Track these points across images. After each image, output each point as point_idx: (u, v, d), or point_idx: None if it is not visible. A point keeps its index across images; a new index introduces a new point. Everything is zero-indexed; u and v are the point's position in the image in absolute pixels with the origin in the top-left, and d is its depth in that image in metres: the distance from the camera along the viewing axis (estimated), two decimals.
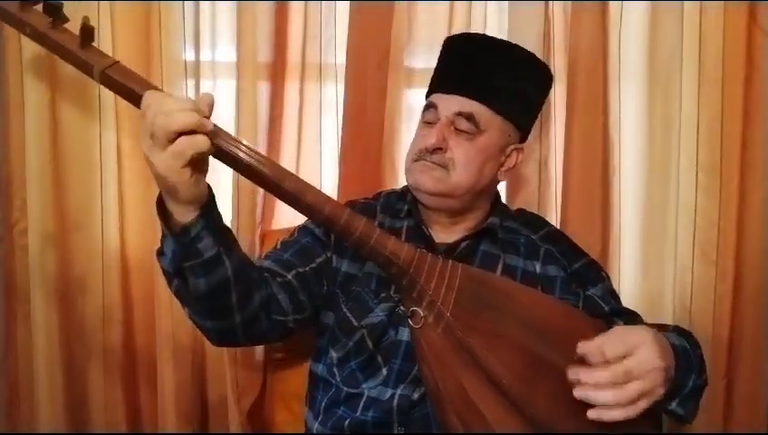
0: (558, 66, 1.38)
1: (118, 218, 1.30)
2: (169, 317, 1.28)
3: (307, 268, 1.06)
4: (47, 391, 1.27)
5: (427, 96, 1.13)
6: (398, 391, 1.01)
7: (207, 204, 0.81)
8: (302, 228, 1.13)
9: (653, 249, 1.41)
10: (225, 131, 0.81)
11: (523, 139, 1.14)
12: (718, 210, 1.35)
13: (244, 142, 0.83)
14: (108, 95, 1.24)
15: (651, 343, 0.81)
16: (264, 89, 1.33)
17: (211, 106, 0.78)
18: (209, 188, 0.81)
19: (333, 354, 1.06)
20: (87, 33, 0.82)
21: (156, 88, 0.81)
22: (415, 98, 1.34)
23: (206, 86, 1.33)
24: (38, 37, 0.86)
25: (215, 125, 0.78)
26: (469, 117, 1.05)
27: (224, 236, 0.85)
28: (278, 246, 1.12)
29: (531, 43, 1.29)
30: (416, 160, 1.07)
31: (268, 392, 1.34)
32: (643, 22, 1.38)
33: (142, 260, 1.31)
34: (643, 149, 1.40)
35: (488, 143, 1.06)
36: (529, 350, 0.87)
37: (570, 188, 1.37)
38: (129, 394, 1.34)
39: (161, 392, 1.31)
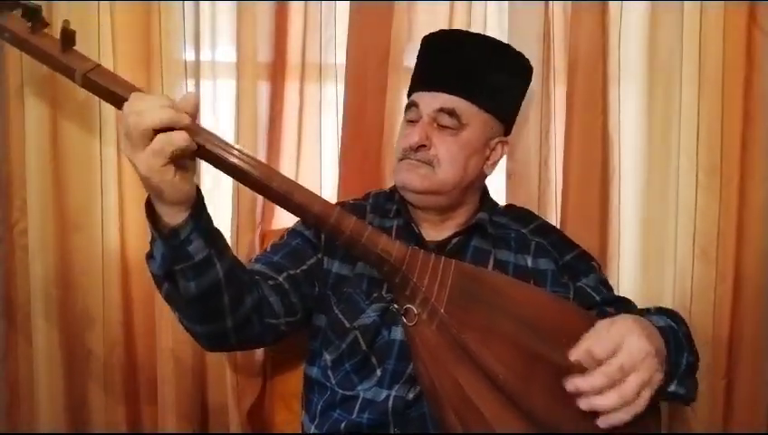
0: (558, 66, 1.38)
1: (118, 219, 1.29)
2: (170, 318, 1.27)
3: (298, 270, 1.06)
4: (47, 391, 1.27)
5: (409, 95, 1.14)
6: (393, 392, 1.01)
7: (196, 205, 0.80)
8: (291, 231, 1.13)
9: (653, 249, 1.41)
10: (209, 131, 0.80)
11: (507, 131, 1.15)
12: (718, 210, 1.35)
13: (232, 144, 0.82)
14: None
15: (636, 329, 0.81)
16: (264, 89, 1.32)
17: (195, 105, 0.77)
18: (198, 189, 0.81)
19: (327, 357, 1.06)
20: (67, 37, 0.81)
21: (139, 90, 0.80)
22: None
23: (206, 86, 1.33)
24: (18, 42, 0.85)
25: (197, 124, 0.78)
26: (451, 112, 1.05)
27: (214, 238, 0.84)
28: (268, 249, 1.12)
29: (531, 43, 1.29)
30: (401, 160, 1.08)
31: (268, 393, 1.34)
32: (643, 22, 1.38)
33: (142, 261, 1.28)
34: (643, 149, 1.40)
35: (471, 137, 1.07)
36: (523, 344, 0.87)
37: (570, 188, 1.37)
38: (130, 394, 1.34)
39: (161, 392, 1.31)
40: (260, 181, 0.82)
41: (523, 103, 1.20)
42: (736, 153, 1.34)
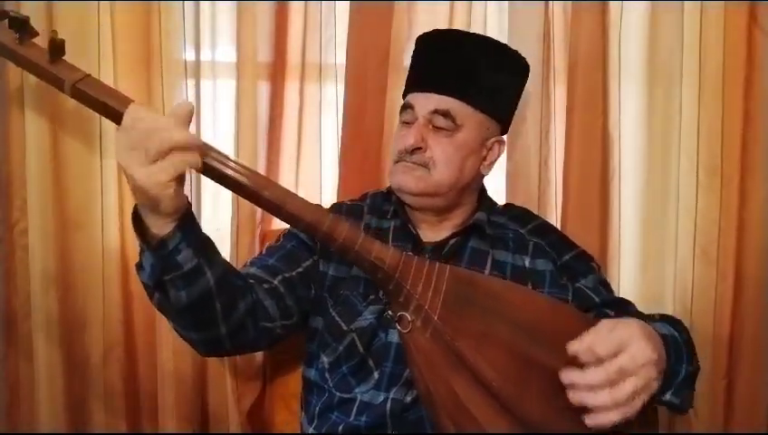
0: (558, 66, 1.38)
1: (118, 218, 1.29)
2: None
3: (293, 273, 1.05)
4: (47, 391, 1.27)
5: (404, 96, 1.13)
6: (391, 395, 1.00)
7: (185, 215, 0.80)
8: (287, 233, 1.13)
9: (653, 249, 1.41)
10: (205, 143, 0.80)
11: (503, 130, 1.14)
12: (718, 210, 1.35)
13: (228, 155, 0.82)
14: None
15: (640, 336, 0.80)
16: (264, 89, 1.32)
17: (191, 114, 0.77)
18: (187, 199, 0.80)
19: (324, 359, 1.05)
20: (56, 47, 0.80)
21: (130, 100, 0.79)
22: None
23: (206, 86, 1.33)
24: (5, 53, 0.84)
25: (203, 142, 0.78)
26: (446, 114, 1.05)
27: (204, 246, 0.84)
28: (263, 252, 1.11)
29: (531, 43, 1.29)
30: (396, 162, 1.07)
31: (268, 393, 1.33)
32: (643, 22, 1.38)
33: None
34: (643, 149, 1.40)
35: (467, 138, 1.06)
36: (518, 350, 0.86)
37: (570, 188, 1.37)
38: (129, 394, 1.34)
39: (161, 392, 1.30)
40: (252, 191, 0.82)
41: (523, 103, 1.20)
42: (736, 153, 1.34)
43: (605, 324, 0.83)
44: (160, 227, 0.78)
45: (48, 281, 1.26)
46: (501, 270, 1.07)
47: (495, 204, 1.20)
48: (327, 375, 1.05)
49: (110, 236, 1.29)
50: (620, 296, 1.14)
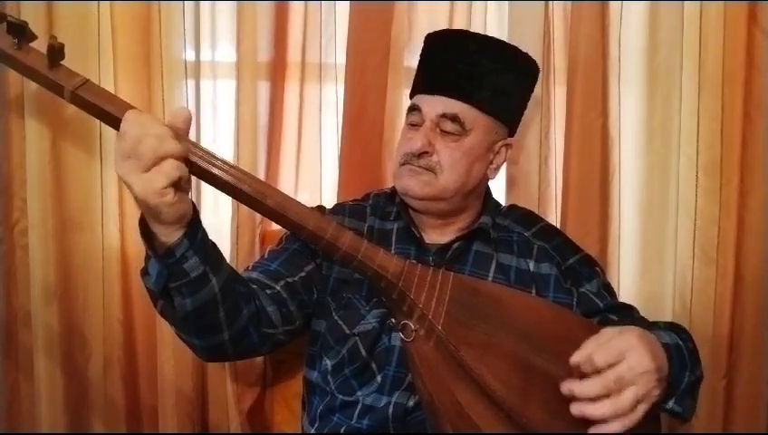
0: (558, 66, 1.38)
1: (118, 218, 1.30)
2: None
3: (296, 278, 1.05)
4: (47, 390, 1.27)
5: (411, 96, 1.12)
6: (394, 399, 1.00)
7: (192, 222, 0.78)
8: (289, 235, 1.12)
9: (653, 249, 1.41)
10: (202, 148, 0.79)
11: (511, 133, 1.13)
12: (718, 210, 1.35)
13: (221, 157, 0.81)
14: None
15: (640, 344, 0.80)
16: (264, 89, 1.32)
17: (188, 120, 0.76)
18: (193, 205, 0.79)
19: (327, 362, 1.05)
20: (55, 52, 0.79)
21: (130, 106, 0.78)
22: None
23: (206, 86, 1.33)
24: (3, 59, 0.82)
25: (192, 142, 0.78)
26: (454, 118, 1.04)
27: (210, 253, 0.83)
28: (266, 256, 1.10)
29: (531, 43, 1.29)
30: (402, 164, 1.06)
31: (268, 393, 1.34)
32: (643, 22, 1.38)
33: (142, 260, 1.31)
34: (643, 149, 1.40)
35: (474, 143, 1.06)
36: (522, 359, 0.86)
37: (570, 188, 1.37)
38: (130, 394, 1.34)
39: (161, 392, 1.31)
40: (252, 199, 0.81)
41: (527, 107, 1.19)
42: (736, 153, 1.34)
43: (605, 333, 0.82)
44: (167, 234, 0.77)
45: (48, 281, 1.26)
46: (505, 274, 1.07)
47: (500, 206, 1.19)
48: (329, 378, 1.05)
49: (110, 236, 1.29)
50: (624, 302, 1.13)
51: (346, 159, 1.35)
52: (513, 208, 1.20)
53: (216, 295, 0.84)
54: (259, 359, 1.33)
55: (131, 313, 1.33)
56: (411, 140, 1.05)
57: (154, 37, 1.24)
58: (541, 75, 1.33)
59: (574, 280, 1.08)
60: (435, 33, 1.14)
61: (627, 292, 1.38)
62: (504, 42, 1.12)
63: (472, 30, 1.30)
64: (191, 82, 1.31)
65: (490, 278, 1.06)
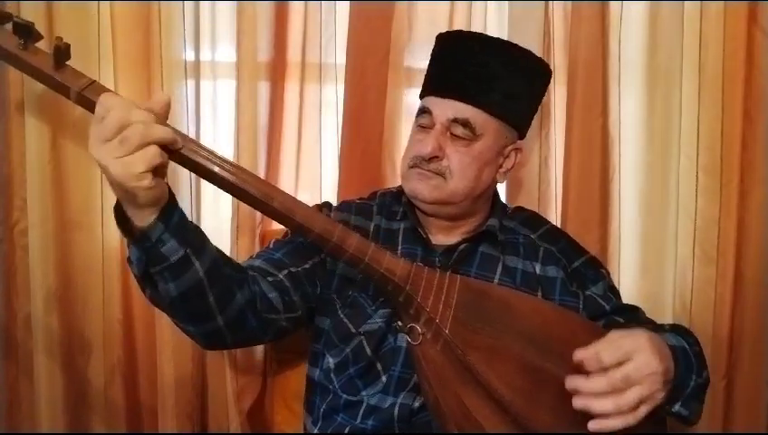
0: (558, 66, 1.38)
1: None
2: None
3: (300, 269, 1.04)
4: (47, 390, 1.27)
5: (421, 96, 1.11)
6: (399, 400, 1.00)
7: (167, 206, 0.78)
8: None
9: (653, 249, 1.41)
10: (207, 148, 0.80)
11: (521, 136, 1.13)
12: (718, 210, 1.35)
13: (226, 158, 0.81)
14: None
15: (648, 346, 0.80)
16: (264, 89, 1.32)
17: (167, 105, 0.76)
18: (169, 189, 0.79)
19: (330, 360, 1.05)
20: (61, 53, 0.78)
21: (111, 91, 0.78)
22: (415, 98, 1.33)
23: (206, 86, 1.33)
24: (9, 59, 0.82)
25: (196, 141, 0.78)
26: (465, 123, 1.03)
27: (191, 236, 0.82)
28: (270, 245, 1.10)
29: (531, 43, 1.28)
30: (411, 167, 1.06)
31: (268, 392, 1.34)
32: (643, 22, 1.38)
33: None
34: (643, 149, 1.40)
35: (485, 148, 1.05)
36: (529, 363, 0.86)
37: (570, 188, 1.37)
38: (129, 394, 1.34)
39: (161, 392, 1.30)
40: (259, 201, 0.81)
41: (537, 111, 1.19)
42: (736, 153, 1.34)
43: (614, 334, 0.83)
44: (141, 218, 0.77)
45: (48, 281, 1.26)
46: (511, 276, 1.06)
47: (506, 208, 1.19)
48: (332, 376, 1.04)
49: (110, 236, 1.29)
50: (629, 303, 1.13)
51: (346, 159, 1.35)
52: (519, 210, 1.20)
53: (201, 280, 0.83)
54: (259, 358, 1.33)
55: (131, 313, 1.33)
56: (421, 142, 1.05)
57: (154, 37, 1.24)
58: None
59: (580, 283, 1.08)
60: (447, 33, 1.13)
61: (627, 292, 1.37)
62: (515, 45, 1.11)
63: (472, 30, 1.31)
64: (191, 83, 1.31)
65: (496, 280, 1.06)
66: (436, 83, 1.09)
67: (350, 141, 1.34)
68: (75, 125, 1.26)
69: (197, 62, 1.31)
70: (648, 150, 1.40)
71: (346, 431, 1.01)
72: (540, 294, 1.06)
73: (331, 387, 1.05)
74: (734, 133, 1.33)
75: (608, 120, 1.37)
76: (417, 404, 0.99)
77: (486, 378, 0.84)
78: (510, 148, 1.10)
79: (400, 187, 1.12)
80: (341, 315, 1.05)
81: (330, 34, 1.36)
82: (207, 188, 1.33)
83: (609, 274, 1.14)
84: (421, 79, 1.14)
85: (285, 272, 1.02)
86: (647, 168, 1.40)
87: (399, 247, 1.09)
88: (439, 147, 1.03)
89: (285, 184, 1.38)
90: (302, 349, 1.16)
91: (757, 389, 1.38)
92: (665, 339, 0.87)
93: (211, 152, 0.79)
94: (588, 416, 0.78)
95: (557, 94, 1.38)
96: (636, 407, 0.78)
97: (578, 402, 0.78)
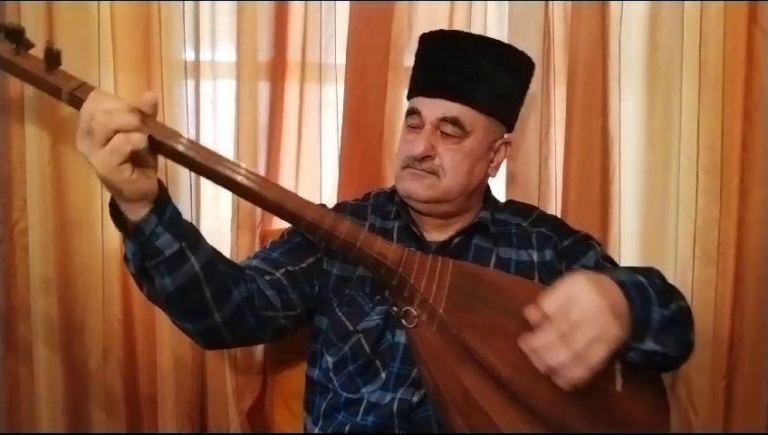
0: (558, 66, 1.38)
1: None
2: None
3: (296, 268, 1.05)
4: (47, 390, 1.27)
5: (409, 97, 1.12)
6: (398, 395, 1.00)
7: (160, 200, 0.79)
8: (292, 230, 1.12)
9: (653, 249, 1.41)
10: (204, 145, 0.80)
11: (509, 130, 1.14)
12: (718, 210, 1.35)
13: (231, 161, 0.82)
14: (108, 91, 1.24)
15: (585, 283, 0.77)
16: (263, 89, 1.32)
17: (154, 105, 0.77)
18: (161, 183, 0.80)
19: (329, 359, 1.05)
20: (52, 58, 0.80)
21: (97, 88, 0.79)
22: None
23: (206, 86, 1.33)
24: (2, 65, 0.83)
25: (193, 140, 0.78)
26: (454, 121, 1.04)
27: (185, 231, 0.83)
28: (267, 246, 1.11)
29: (531, 43, 1.29)
30: (404, 168, 1.06)
31: (268, 392, 1.34)
32: (643, 22, 1.38)
33: None
34: (643, 149, 1.40)
35: (475, 144, 1.06)
36: None
37: (570, 188, 1.37)
38: (129, 394, 1.34)
39: (161, 392, 1.30)
40: (250, 190, 0.82)
41: (523, 103, 1.19)
42: (736, 153, 1.34)
43: (556, 283, 0.80)
44: (133, 212, 0.78)
45: (48, 281, 1.26)
46: (505, 267, 1.07)
47: (498, 203, 1.19)
48: (332, 375, 1.05)
49: (110, 236, 1.29)
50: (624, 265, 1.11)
51: (346, 159, 1.35)
52: (510, 203, 1.22)
53: (197, 274, 0.84)
54: (259, 358, 1.34)
55: (131, 313, 1.33)
56: (412, 143, 1.06)
57: (154, 37, 1.24)
58: (541, 75, 1.34)
59: (571, 258, 1.08)
60: (429, 33, 1.14)
61: None
62: (497, 41, 1.12)
63: (473, 30, 1.31)
64: (191, 83, 1.31)
65: None
66: (423, 84, 1.10)
67: (350, 141, 1.34)
68: (75, 125, 1.26)
69: (197, 63, 1.31)
70: (647, 150, 1.40)
71: (347, 429, 1.02)
72: (536, 281, 1.05)
73: (330, 386, 1.05)
74: (734, 133, 1.34)
75: (608, 120, 1.37)
76: (416, 399, 1.00)
77: (483, 355, 0.83)
78: (499, 142, 1.11)
79: (393, 186, 1.13)
80: (339, 314, 1.06)
81: (330, 34, 1.36)
82: (207, 187, 1.33)
83: (601, 244, 1.12)
84: None
85: (282, 271, 1.03)
86: (647, 168, 1.40)
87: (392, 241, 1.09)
88: (431, 146, 1.04)
89: (285, 184, 1.38)
90: (302, 349, 1.16)
91: (757, 389, 1.39)
92: (611, 276, 0.84)
93: (199, 145, 0.80)
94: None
95: (557, 94, 1.38)
96: (588, 346, 0.75)
97: (538, 365, 0.77)
